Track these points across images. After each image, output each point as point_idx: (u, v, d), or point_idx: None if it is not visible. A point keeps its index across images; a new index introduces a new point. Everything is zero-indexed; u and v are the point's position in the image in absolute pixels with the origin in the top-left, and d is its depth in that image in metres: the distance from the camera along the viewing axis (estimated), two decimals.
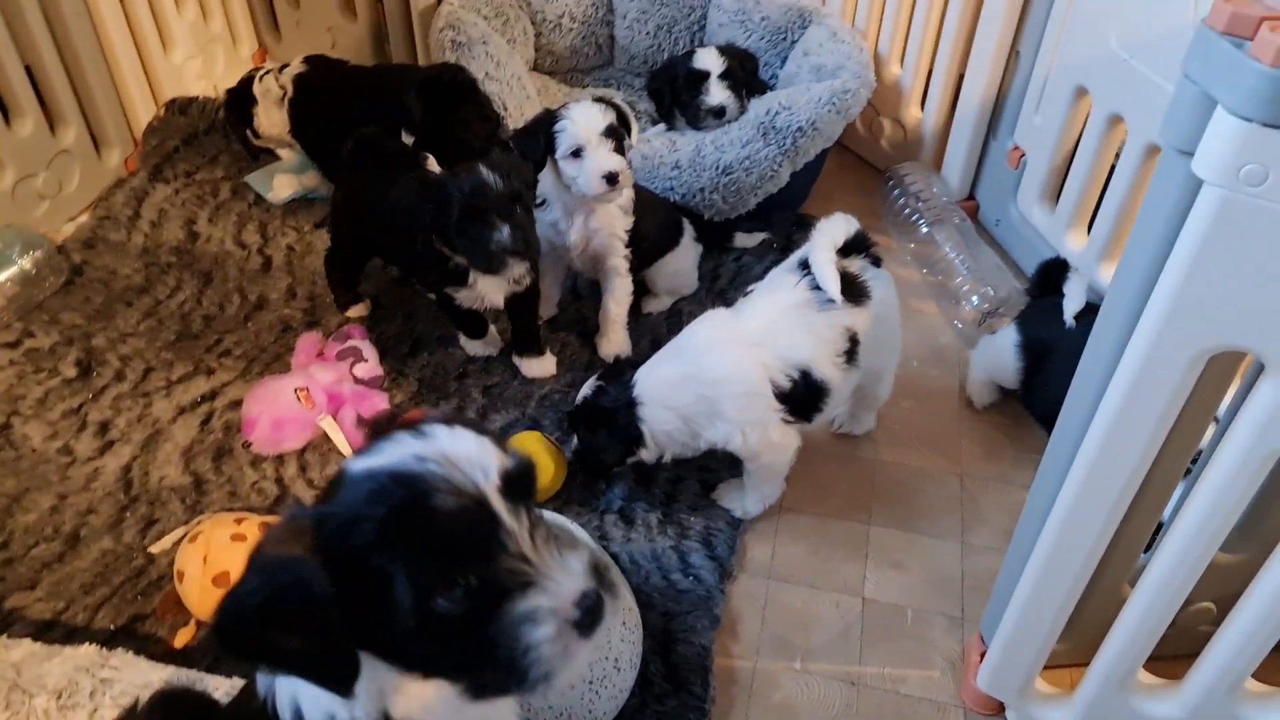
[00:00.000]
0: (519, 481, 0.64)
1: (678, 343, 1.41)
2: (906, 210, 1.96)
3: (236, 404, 1.58)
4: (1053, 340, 1.48)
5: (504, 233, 1.35)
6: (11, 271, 1.71)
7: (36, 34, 1.81)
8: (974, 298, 1.76)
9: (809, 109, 1.82)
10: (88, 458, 1.49)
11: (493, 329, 1.65)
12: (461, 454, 0.62)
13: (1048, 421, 1.51)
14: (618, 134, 1.56)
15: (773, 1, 2.14)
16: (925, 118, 2.06)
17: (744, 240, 1.94)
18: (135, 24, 2.04)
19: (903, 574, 1.40)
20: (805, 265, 1.39)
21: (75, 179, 1.95)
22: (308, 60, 2.01)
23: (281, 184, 2.01)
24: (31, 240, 1.76)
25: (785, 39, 2.13)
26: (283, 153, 2.09)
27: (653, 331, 1.76)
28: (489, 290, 1.51)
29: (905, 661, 1.28)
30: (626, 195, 1.64)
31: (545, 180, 1.63)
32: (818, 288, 1.35)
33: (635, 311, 1.77)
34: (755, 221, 1.93)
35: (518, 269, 1.44)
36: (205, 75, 2.28)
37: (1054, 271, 1.56)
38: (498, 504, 0.62)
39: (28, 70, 1.84)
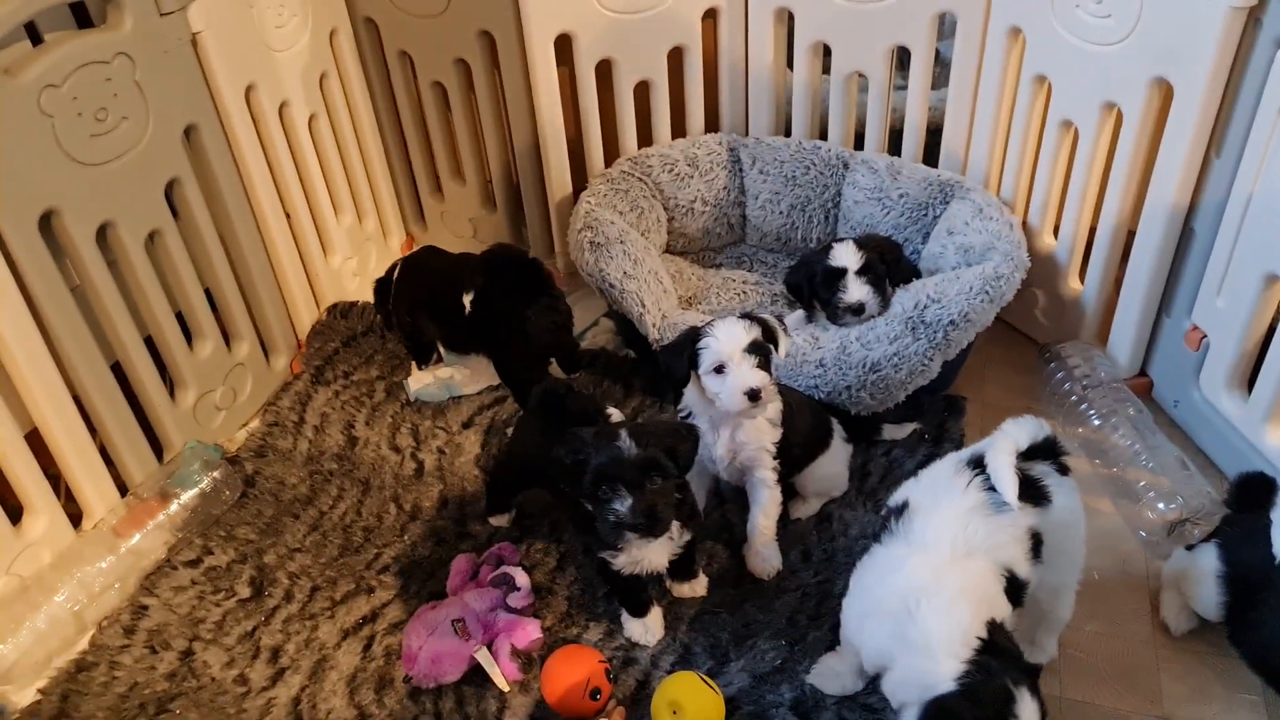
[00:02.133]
0: None
1: (871, 601, 1.29)
2: (1073, 397, 1.85)
3: (396, 626, 1.61)
4: (1264, 575, 1.33)
5: (624, 505, 1.32)
6: (194, 491, 1.82)
7: (216, 260, 1.97)
8: (1160, 503, 1.62)
9: (960, 301, 1.76)
10: (262, 687, 1.54)
11: (657, 611, 1.55)
12: None
13: (1262, 668, 1.37)
14: (762, 349, 1.54)
15: (911, 176, 2.11)
16: (1086, 291, 1.96)
17: (893, 432, 1.87)
18: (300, 236, 2.20)
19: None
20: (976, 463, 1.30)
21: (248, 388, 2.08)
22: (421, 249, 2.15)
23: (415, 379, 2.09)
24: (211, 458, 1.88)
25: (927, 214, 2.08)
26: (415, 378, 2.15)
27: (802, 540, 1.70)
28: (648, 554, 1.46)
29: None
30: (774, 407, 1.61)
31: (690, 394, 1.62)
32: (991, 488, 1.27)
33: (783, 518, 1.71)
34: (902, 410, 1.86)
35: (640, 543, 1.39)
36: (359, 273, 2.42)
37: (1256, 487, 1.42)
38: None
39: (207, 293, 1.99)
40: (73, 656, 1.61)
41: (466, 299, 1.90)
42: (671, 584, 1.61)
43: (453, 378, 2.08)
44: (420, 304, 2.07)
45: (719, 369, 1.53)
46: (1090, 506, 1.73)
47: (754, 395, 1.51)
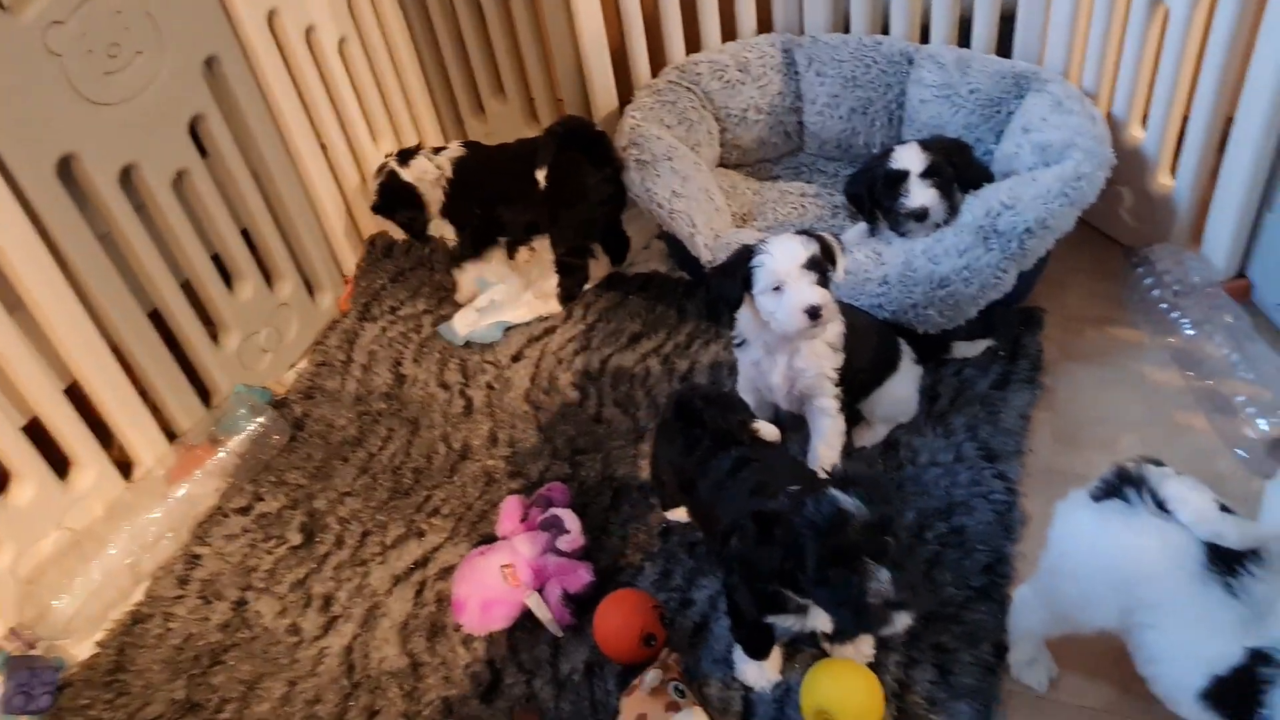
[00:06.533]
0: None
1: None
2: (1163, 304, 1.69)
3: (447, 571, 1.57)
4: None
5: (884, 579, 1.03)
6: (242, 436, 1.80)
7: (250, 198, 1.91)
8: (1260, 419, 1.48)
9: (1036, 206, 1.60)
10: (314, 637, 1.53)
11: (777, 653, 1.34)
12: None
13: None
14: (820, 266, 1.43)
15: (982, 69, 1.92)
16: (1178, 187, 1.78)
17: (965, 350, 1.74)
18: (337, 168, 2.12)
19: None
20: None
21: (294, 328, 2.04)
22: (465, 145, 2.11)
23: (461, 322, 2.02)
24: (258, 402, 1.85)
25: (1000, 111, 1.90)
26: (462, 288, 2.10)
27: (867, 470, 1.60)
28: (822, 619, 1.19)
29: None
30: (834, 330, 1.50)
31: (743, 318, 1.52)
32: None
33: (847, 446, 1.61)
34: (974, 326, 1.72)
35: (902, 622, 1.06)
36: None
37: None
38: None
39: (244, 233, 1.93)
40: (128, 609, 1.62)
41: (540, 174, 1.90)
42: (830, 646, 1.35)
43: (491, 303, 2.02)
44: (493, 194, 2.05)
45: (776, 288, 1.42)
46: (1180, 422, 1.61)
47: (814, 313, 1.40)
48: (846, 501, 1.05)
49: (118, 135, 1.61)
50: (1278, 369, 1.54)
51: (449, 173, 2.05)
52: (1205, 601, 1.05)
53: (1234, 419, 1.54)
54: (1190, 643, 1.07)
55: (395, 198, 2.06)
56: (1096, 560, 1.15)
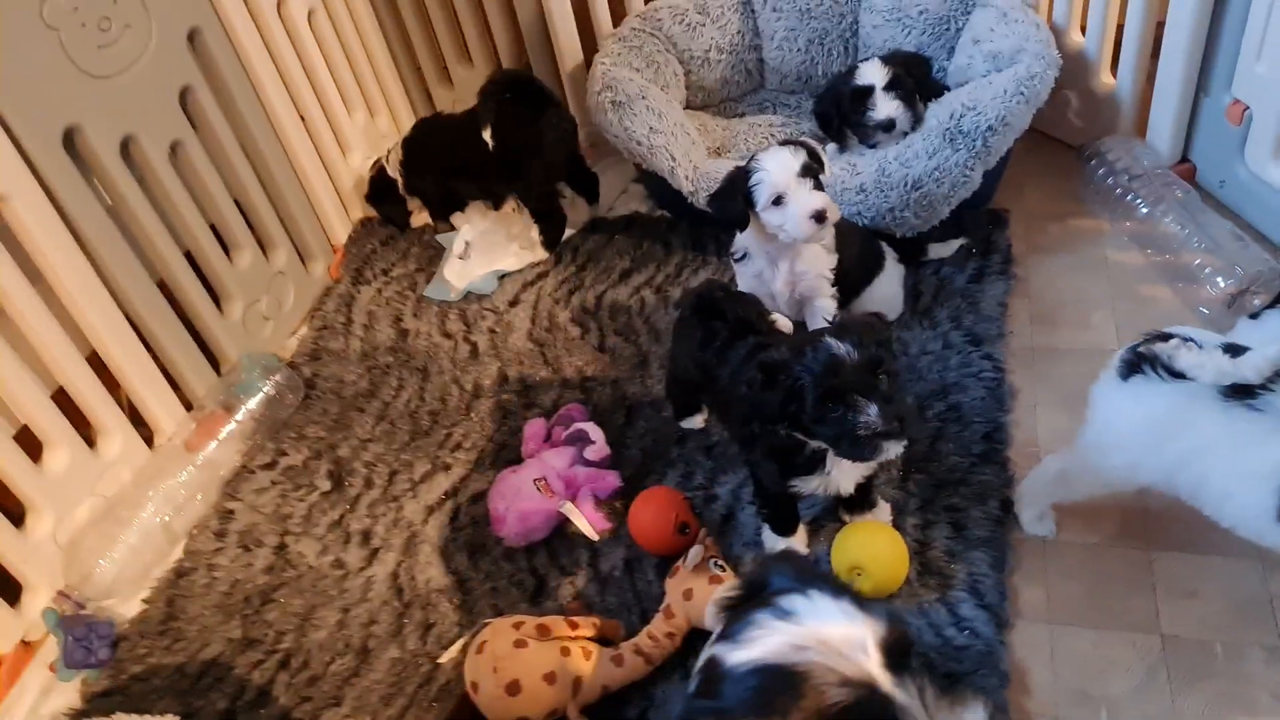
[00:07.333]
0: (900, 651, 0.61)
1: None
2: (1118, 190, 1.82)
3: (478, 497, 1.64)
4: None
5: (872, 413, 1.14)
6: (259, 397, 1.85)
7: (240, 169, 1.95)
8: (1218, 278, 1.61)
9: (996, 105, 1.72)
10: (359, 568, 1.59)
11: (803, 530, 1.45)
12: (836, 635, 0.60)
13: None
14: (814, 171, 1.52)
15: None
16: (1119, 83, 1.91)
17: (939, 250, 1.86)
18: (317, 138, 2.16)
19: (1200, 603, 1.30)
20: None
21: (291, 296, 2.09)
22: (417, 123, 2.24)
23: (454, 275, 2.08)
24: (269, 364, 1.90)
25: (949, 28, 2.02)
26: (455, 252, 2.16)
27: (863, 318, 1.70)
28: (844, 479, 1.31)
29: (1227, 703, 1.19)
30: (829, 233, 1.60)
31: (745, 234, 1.61)
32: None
33: None
34: (946, 228, 1.84)
35: (893, 449, 1.16)
36: None
37: None
38: (887, 685, 0.60)
39: (237, 204, 1.98)
40: (170, 565, 1.66)
41: (486, 134, 1.95)
42: (849, 516, 1.45)
43: (466, 246, 2.10)
44: (446, 167, 2.13)
45: (777, 200, 1.51)
46: (1146, 295, 1.74)
47: (820, 217, 1.50)
48: (839, 347, 1.15)
49: (115, 107, 1.65)
50: (1228, 233, 1.68)
51: (400, 155, 2.16)
52: (1239, 428, 1.11)
53: (1193, 284, 1.67)
54: (1245, 469, 1.12)
55: (380, 190, 2.20)
56: (1138, 429, 1.20)
